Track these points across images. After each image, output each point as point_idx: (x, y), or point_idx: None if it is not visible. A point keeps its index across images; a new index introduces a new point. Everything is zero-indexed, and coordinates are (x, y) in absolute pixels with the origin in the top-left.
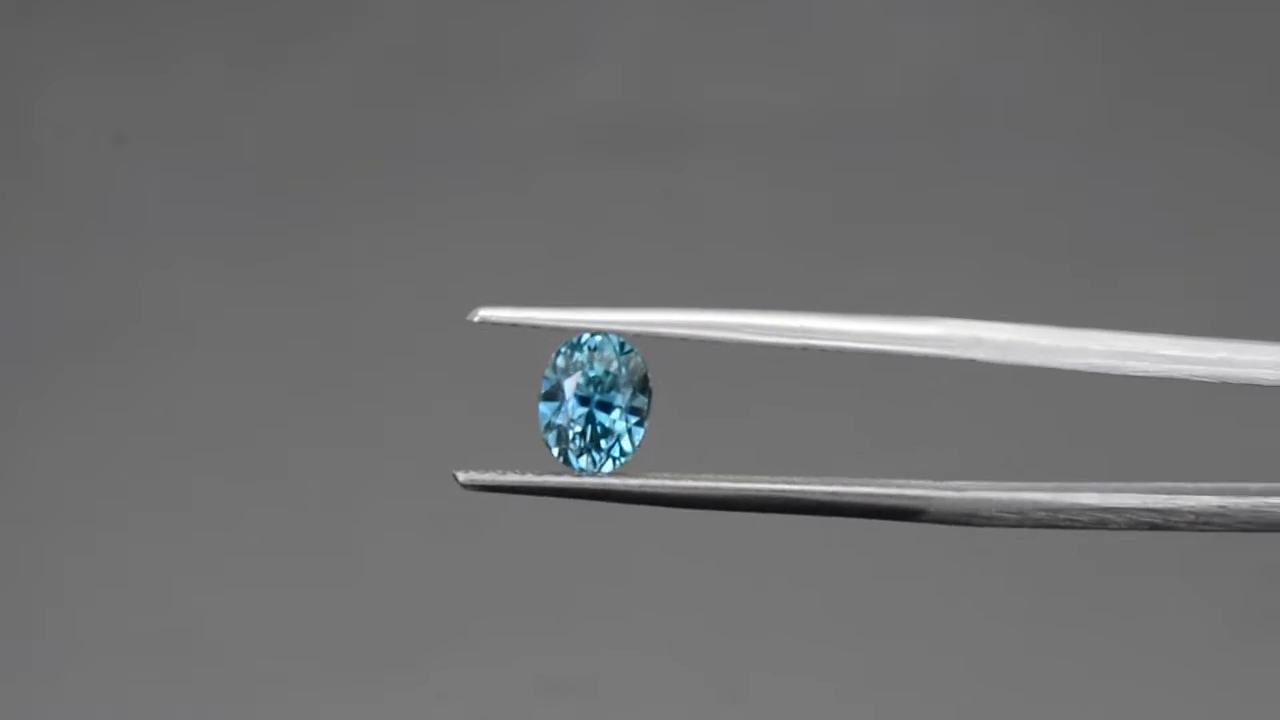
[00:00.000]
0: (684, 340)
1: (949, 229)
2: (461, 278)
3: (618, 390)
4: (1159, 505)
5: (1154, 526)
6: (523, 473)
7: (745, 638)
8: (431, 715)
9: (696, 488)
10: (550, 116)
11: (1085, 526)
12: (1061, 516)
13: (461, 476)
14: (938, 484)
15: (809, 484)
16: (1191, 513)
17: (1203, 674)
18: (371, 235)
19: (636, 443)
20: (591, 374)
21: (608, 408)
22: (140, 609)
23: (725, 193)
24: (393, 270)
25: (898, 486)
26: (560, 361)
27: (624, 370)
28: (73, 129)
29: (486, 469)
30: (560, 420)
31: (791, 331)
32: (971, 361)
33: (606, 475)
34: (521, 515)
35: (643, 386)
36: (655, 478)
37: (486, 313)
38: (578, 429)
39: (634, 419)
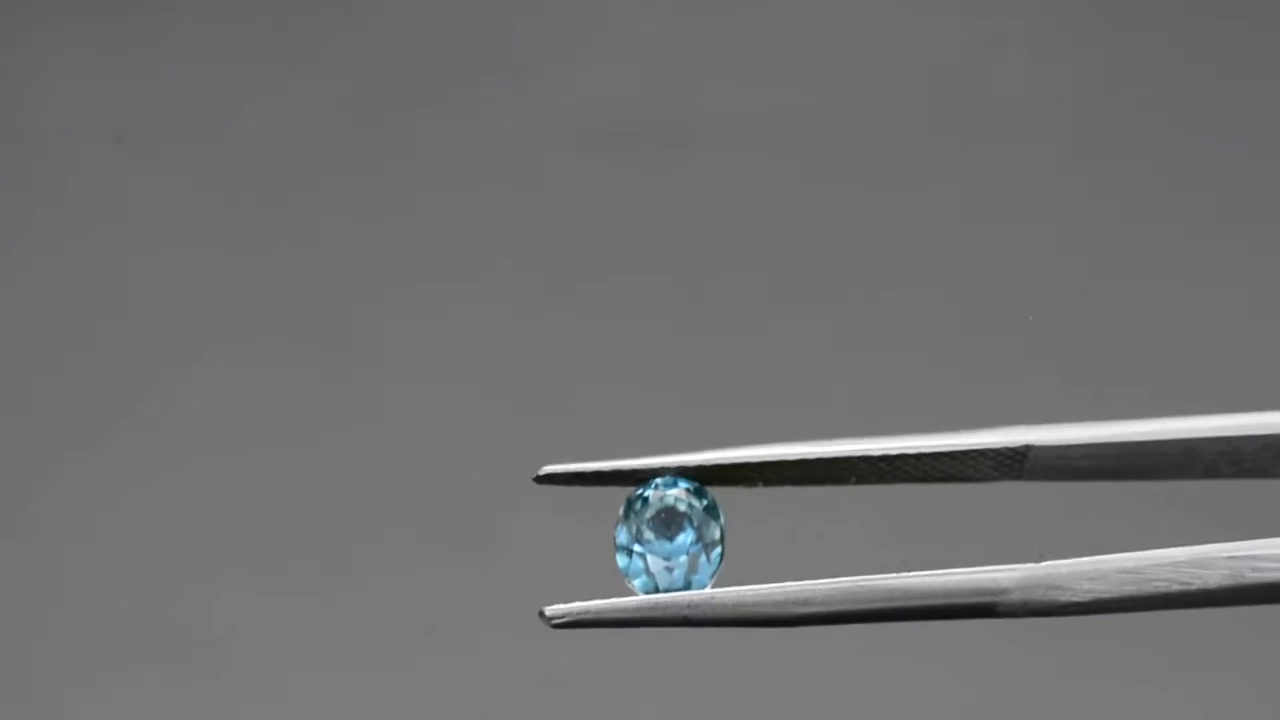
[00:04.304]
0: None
1: (948, 228)
2: (461, 276)
3: (683, 529)
4: (1258, 552)
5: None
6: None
7: (746, 637)
8: (431, 715)
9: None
10: (550, 116)
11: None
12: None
13: (549, 611)
14: (1010, 566)
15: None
16: None
17: (1207, 672)
18: (371, 234)
19: (712, 573)
20: (651, 518)
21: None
22: (140, 609)
23: (725, 193)
24: (392, 269)
25: (969, 573)
26: (626, 515)
27: (693, 506)
28: (73, 129)
29: (571, 600)
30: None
31: (847, 455)
32: (1027, 449)
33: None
34: (522, 514)
35: (713, 518)
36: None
37: (550, 469)
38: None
39: (706, 552)
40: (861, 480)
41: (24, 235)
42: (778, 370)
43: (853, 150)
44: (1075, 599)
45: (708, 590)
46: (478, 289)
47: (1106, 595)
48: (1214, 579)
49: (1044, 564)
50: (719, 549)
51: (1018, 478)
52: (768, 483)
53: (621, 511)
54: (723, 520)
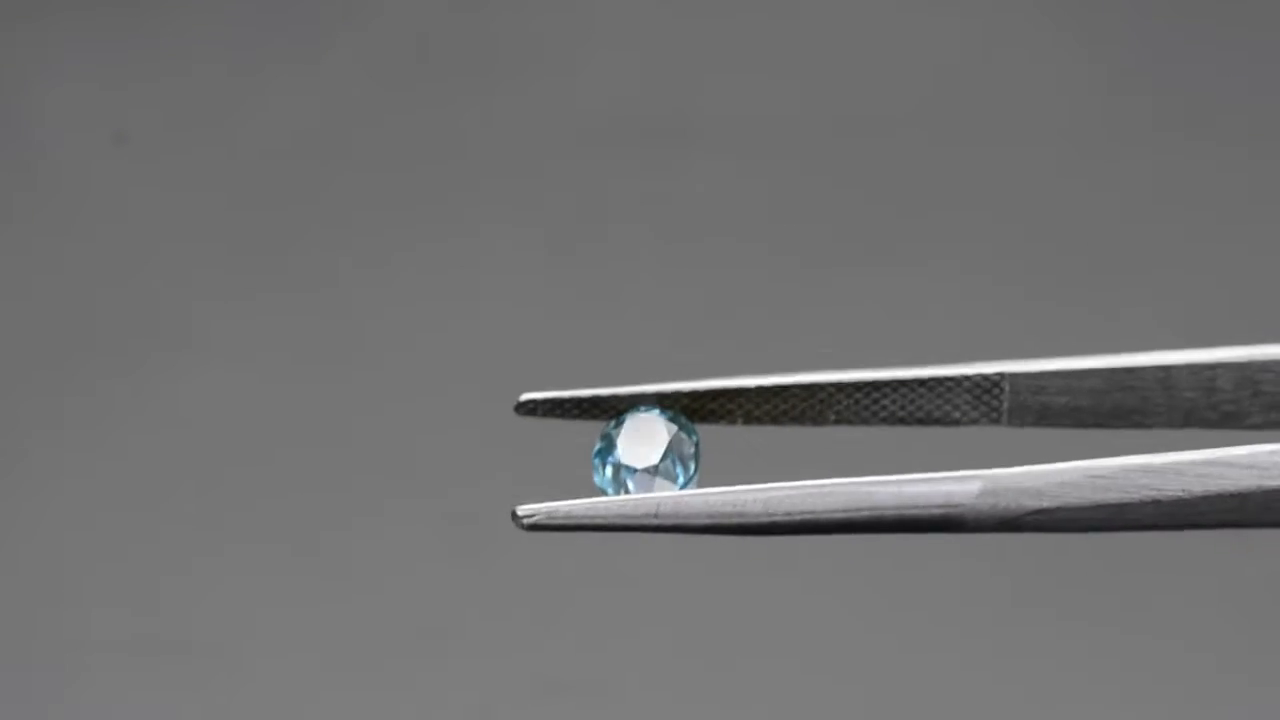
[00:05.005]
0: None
1: (948, 229)
2: (460, 276)
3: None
4: (1233, 458)
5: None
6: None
7: (746, 638)
8: (431, 715)
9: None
10: (550, 116)
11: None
12: (1120, 485)
13: (521, 510)
14: (979, 471)
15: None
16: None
17: (1207, 673)
18: (370, 233)
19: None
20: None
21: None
22: (140, 609)
23: (725, 193)
24: (391, 268)
25: (937, 476)
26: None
27: (668, 425)
28: (73, 129)
29: (543, 501)
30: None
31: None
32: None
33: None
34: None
35: (687, 436)
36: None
37: (530, 396)
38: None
39: (680, 467)
40: (841, 419)
41: (24, 235)
42: (769, 347)
43: (853, 150)
44: (1045, 504)
45: (675, 492)
46: (476, 288)
47: (1077, 502)
48: (1185, 487)
49: (1014, 469)
50: (693, 465)
51: (996, 419)
52: (747, 420)
53: (599, 435)
54: (697, 440)
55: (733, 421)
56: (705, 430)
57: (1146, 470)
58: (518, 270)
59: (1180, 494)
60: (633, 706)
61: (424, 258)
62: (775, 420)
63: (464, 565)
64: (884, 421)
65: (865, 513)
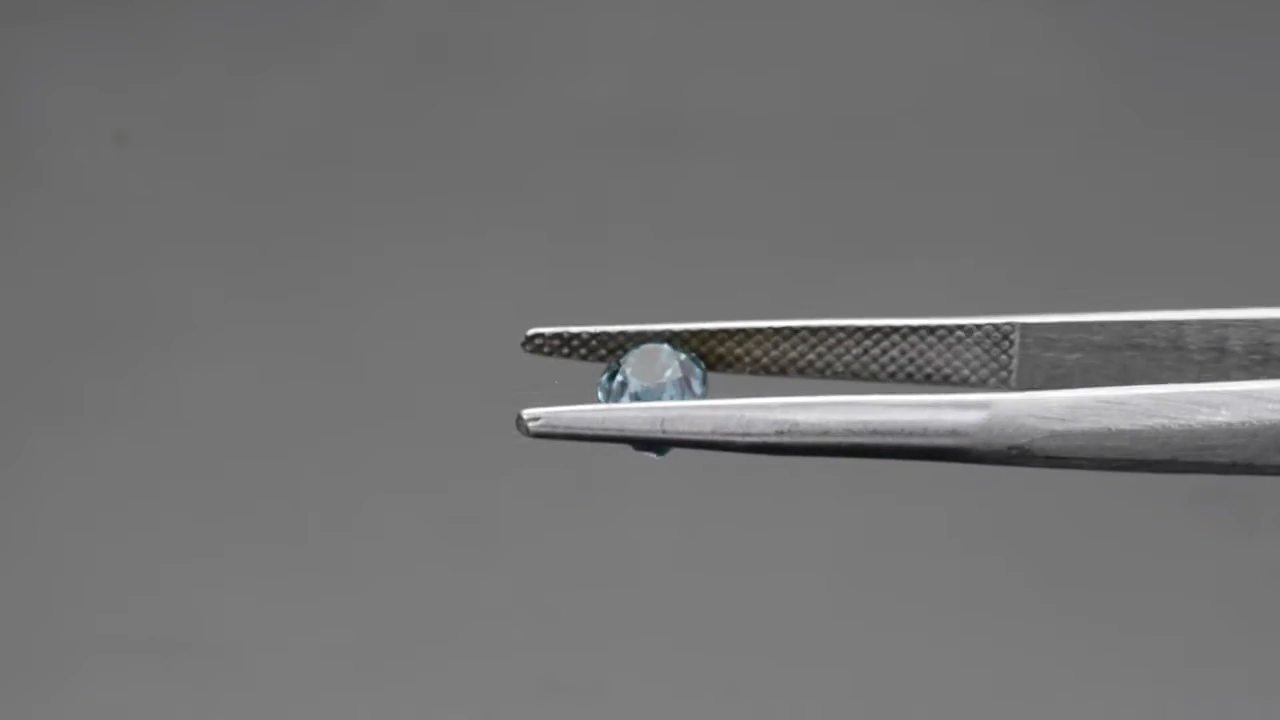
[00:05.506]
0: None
1: (948, 228)
2: (460, 276)
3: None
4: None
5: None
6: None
7: (745, 637)
8: (431, 715)
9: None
10: (550, 116)
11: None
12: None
13: (526, 414)
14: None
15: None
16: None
17: (1204, 659)
18: (370, 232)
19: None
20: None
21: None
22: (140, 609)
23: (725, 193)
24: (391, 268)
25: (948, 395)
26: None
27: (675, 353)
28: (73, 129)
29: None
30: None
31: (828, 328)
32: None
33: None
34: (522, 513)
35: (695, 364)
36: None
37: (537, 330)
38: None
39: (688, 387)
40: (849, 372)
41: (24, 234)
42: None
43: (852, 150)
44: (1054, 428)
45: (683, 403)
46: (477, 287)
47: (1086, 428)
48: (1196, 416)
49: (1023, 394)
50: (701, 389)
51: (1006, 379)
52: (755, 369)
53: (605, 367)
54: (704, 373)
55: (740, 370)
56: (713, 379)
57: (1156, 398)
58: (518, 270)
59: (1191, 424)
60: (633, 707)
61: (424, 258)
62: (783, 370)
63: (464, 565)
64: (892, 377)
65: (871, 436)
